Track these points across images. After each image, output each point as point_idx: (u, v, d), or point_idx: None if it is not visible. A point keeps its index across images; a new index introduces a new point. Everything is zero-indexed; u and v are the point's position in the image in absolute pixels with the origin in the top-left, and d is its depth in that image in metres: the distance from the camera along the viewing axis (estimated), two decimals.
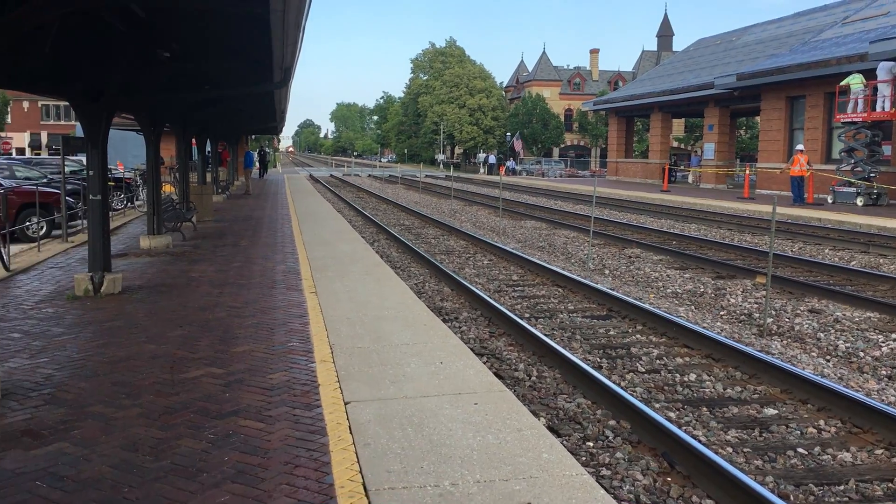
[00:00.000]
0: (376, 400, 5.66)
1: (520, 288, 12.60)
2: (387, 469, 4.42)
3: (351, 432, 5.02)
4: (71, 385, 6.06)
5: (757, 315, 10.70)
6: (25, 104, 78.37)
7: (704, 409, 6.80)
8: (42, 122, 79.78)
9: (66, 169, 17.23)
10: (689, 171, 48.98)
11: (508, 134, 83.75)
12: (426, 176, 60.05)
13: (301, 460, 4.60)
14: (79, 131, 27.70)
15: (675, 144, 68.52)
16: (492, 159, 76.13)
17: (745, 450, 5.88)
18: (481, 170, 76.41)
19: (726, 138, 43.48)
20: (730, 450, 5.88)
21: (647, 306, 10.38)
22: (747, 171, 34.99)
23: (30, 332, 7.81)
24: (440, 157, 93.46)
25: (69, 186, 18.28)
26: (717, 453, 5.60)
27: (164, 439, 4.94)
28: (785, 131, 34.88)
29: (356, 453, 4.67)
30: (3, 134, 69.48)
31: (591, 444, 5.99)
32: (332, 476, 4.37)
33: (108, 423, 5.23)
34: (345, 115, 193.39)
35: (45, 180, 20.98)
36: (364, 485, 4.24)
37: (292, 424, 5.20)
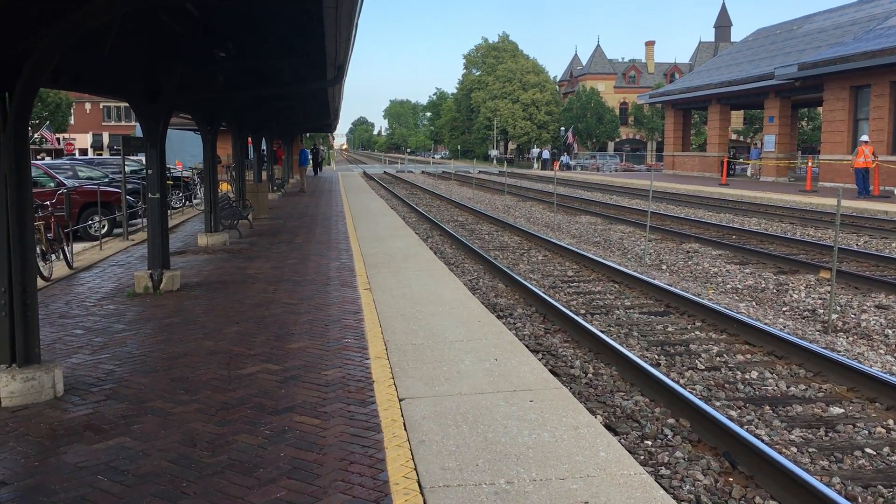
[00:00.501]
0: (431, 397, 5.63)
1: (575, 284, 12.46)
2: (442, 466, 4.39)
3: (406, 429, 4.99)
4: (131, 380, 6.17)
5: (821, 311, 10.39)
6: (87, 106, 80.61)
7: (767, 407, 6.61)
8: (103, 123, 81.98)
9: (127, 168, 17.63)
10: (748, 163, 47.94)
11: (562, 128, 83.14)
12: (479, 172, 59.95)
13: (356, 457, 4.59)
14: (139, 132, 28.34)
15: (734, 137, 67.14)
16: (545, 154, 75.65)
17: (810, 450, 5.69)
18: (535, 165, 76.00)
19: (787, 130, 42.41)
20: (794, 450, 5.70)
21: (706, 302, 10.16)
22: (809, 164, 34.08)
23: (92, 329, 7.98)
24: (493, 152, 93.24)
25: (129, 186, 18.71)
26: (780, 453, 5.43)
27: (222, 434, 4.98)
28: (849, 122, 33.86)
29: (411, 450, 4.65)
30: (66, 135, 71.50)
31: (649, 442, 5.87)
32: (387, 473, 4.35)
33: (166, 418, 5.30)
34: (398, 111, 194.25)
35: (106, 180, 21.50)
36: (419, 482, 4.21)
37: (347, 421, 5.20)
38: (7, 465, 4.52)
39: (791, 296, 11.42)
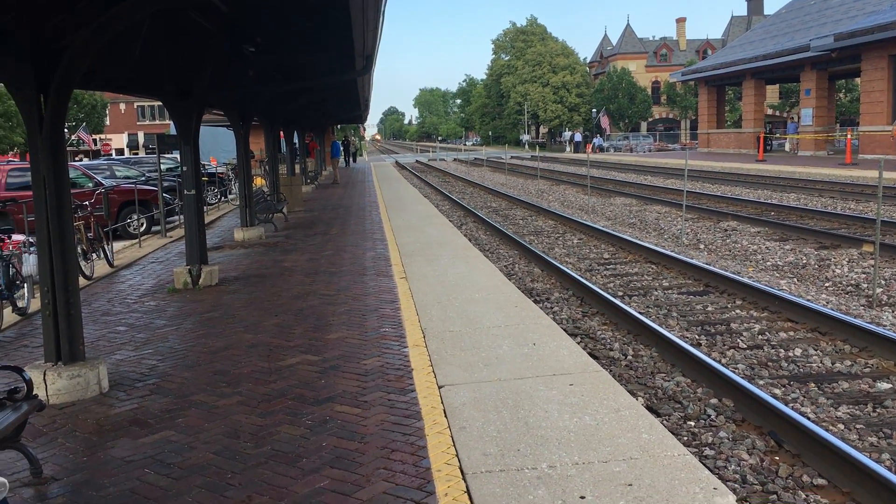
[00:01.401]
0: (470, 383, 5.63)
1: (611, 266, 12.36)
2: (483, 452, 4.38)
3: (446, 416, 5.00)
4: (174, 375, 6.25)
5: (865, 285, 10.18)
6: (122, 106, 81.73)
7: (812, 384, 6.50)
8: (138, 123, 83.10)
9: (162, 167, 17.83)
10: (785, 138, 47.11)
11: (594, 110, 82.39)
12: (511, 157, 59.68)
13: (397, 444, 4.60)
14: (173, 130, 28.70)
15: (770, 112, 65.96)
16: (578, 137, 75.02)
17: (857, 426, 5.59)
18: (567, 148, 75.45)
19: (825, 102, 41.59)
20: (841, 427, 5.60)
21: (746, 280, 10.01)
22: (849, 136, 33.39)
23: (134, 325, 8.11)
24: (525, 137, 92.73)
25: (166, 183, 18.93)
26: (827, 430, 5.33)
27: (264, 426, 5.03)
28: (888, 92, 33.10)
29: (452, 437, 4.65)
30: (102, 136, 72.60)
31: (692, 423, 5.81)
32: (429, 460, 4.36)
33: (210, 411, 5.37)
34: (428, 100, 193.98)
35: (143, 178, 21.78)
36: (461, 468, 4.21)
37: (387, 409, 5.21)
38: (56, 461, 4.61)
39: (833, 271, 11.21)
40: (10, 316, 8.63)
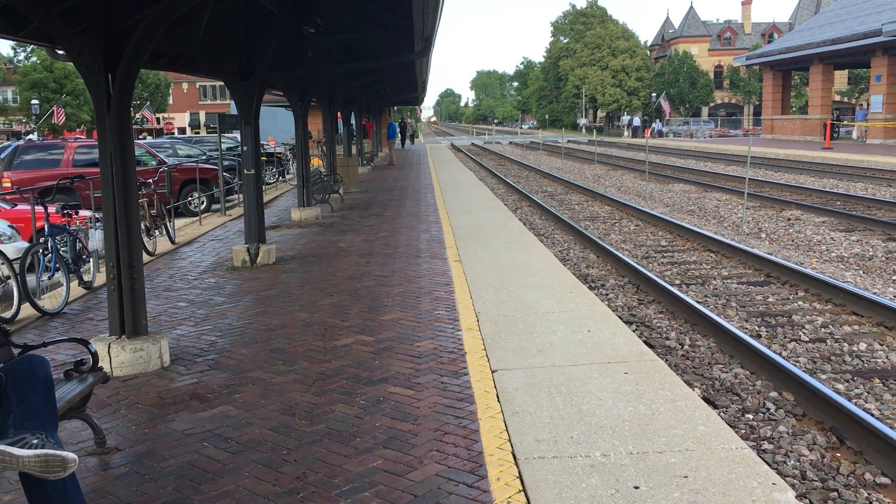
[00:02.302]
0: (523, 368, 5.61)
1: (669, 254, 12.17)
2: (536, 438, 4.36)
3: (499, 400, 4.99)
4: (232, 351, 6.37)
5: None
6: (185, 86, 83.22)
7: (877, 380, 6.32)
8: (200, 103, 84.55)
9: (223, 146, 18.12)
10: (853, 125, 45.69)
11: (654, 94, 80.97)
12: (568, 141, 59.12)
13: (450, 427, 4.62)
14: (233, 110, 29.10)
15: (838, 98, 64.00)
16: (636, 122, 73.87)
17: None
18: (625, 133, 74.38)
19: None
20: None
21: (809, 271, 9.76)
22: None
23: (194, 301, 8.28)
24: (582, 121, 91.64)
25: (226, 162, 19.25)
26: (892, 428, 5.18)
27: (319, 404, 5.09)
28: None
29: (504, 421, 4.64)
30: (165, 115, 74.06)
31: (750, 416, 5.70)
32: (481, 444, 4.36)
33: (266, 388, 5.46)
34: (484, 82, 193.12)
35: (204, 157, 22.17)
36: (513, 453, 4.20)
37: (440, 392, 5.23)
38: (119, 432, 4.74)
39: None
40: (76, 289, 8.89)
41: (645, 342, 7.14)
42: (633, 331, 7.54)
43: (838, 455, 5.01)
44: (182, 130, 75.19)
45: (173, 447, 4.48)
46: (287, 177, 26.96)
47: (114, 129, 5.78)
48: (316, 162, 24.63)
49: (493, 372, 5.56)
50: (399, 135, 49.37)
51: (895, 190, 20.22)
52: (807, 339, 7.48)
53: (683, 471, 3.91)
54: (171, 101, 78.03)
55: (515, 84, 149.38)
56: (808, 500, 4.43)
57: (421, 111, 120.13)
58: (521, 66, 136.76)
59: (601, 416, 4.66)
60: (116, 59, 5.69)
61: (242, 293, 8.68)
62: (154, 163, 17.80)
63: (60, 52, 7.27)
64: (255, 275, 9.73)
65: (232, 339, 6.76)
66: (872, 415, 5.51)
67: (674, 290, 8.94)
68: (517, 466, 4.05)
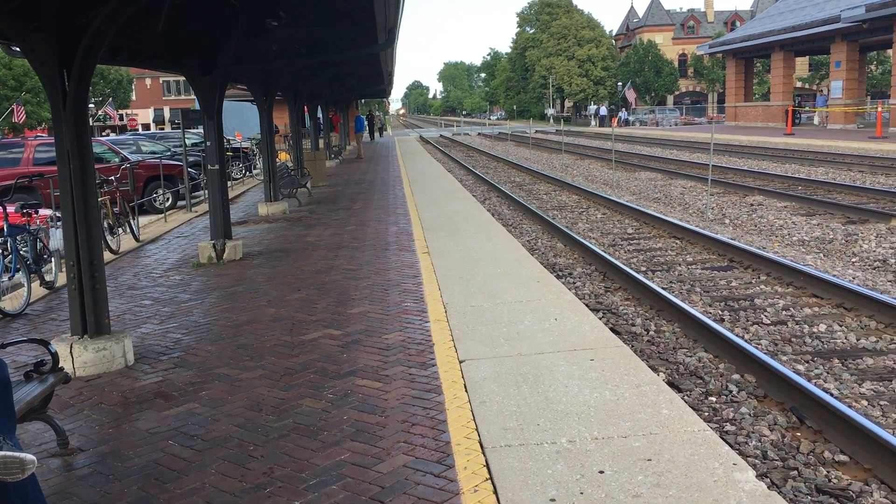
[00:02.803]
0: (491, 358, 5.64)
1: (635, 241, 12.28)
2: (503, 427, 4.40)
3: (466, 390, 5.02)
4: (198, 348, 6.33)
5: (893, 261, 10.04)
6: (148, 81, 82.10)
7: (836, 361, 6.44)
8: (164, 98, 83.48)
9: (188, 141, 17.93)
10: (814, 111, 46.37)
11: (620, 84, 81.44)
12: (536, 131, 59.30)
13: (418, 418, 4.63)
14: (198, 105, 28.83)
15: (799, 85, 64.86)
16: (603, 111, 74.29)
17: (881, 403, 5.54)
18: (592, 122, 74.78)
19: (855, 75, 40.80)
20: (865, 403, 5.55)
21: (771, 255, 9.91)
22: (879, 109, 32.77)
23: (159, 299, 8.20)
24: (550, 111, 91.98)
25: (191, 158, 19.02)
26: (850, 407, 5.29)
27: (286, 399, 5.08)
28: None
29: (472, 411, 4.67)
30: (128, 111, 73.07)
31: (713, 399, 5.79)
32: (449, 434, 4.38)
33: (233, 384, 5.43)
34: (452, 74, 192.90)
35: (168, 153, 21.92)
36: (480, 442, 4.23)
37: (408, 383, 5.24)
38: (83, 432, 4.69)
39: (861, 246, 11.06)
40: (37, 290, 8.77)
41: (611, 329, 7.21)
42: (600, 318, 7.62)
43: (798, 435, 5.11)
44: (146, 126, 74.18)
45: (138, 446, 4.45)
46: (254, 172, 26.75)
47: (70, 126, 5.70)
48: (283, 156, 24.49)
49: (460, 362, 5.59)
50: (367, 128, 49.21)
51: (855, 174, 20.57)
52: (768, 321, 7.61)
53: (647, 454, 3.97)
54: (134, 97, 76.87)
55: (483, 75, 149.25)
56: (768, 480, 4.51)
57: (389, 103, 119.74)
58: (489, 57, 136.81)
59: (567, 402, 4.70)
60: (71, 55, 5.61)
61: (208, 290, 8.62)
62: (116, 160, 17.57)
63: (16, 48, 7.15)
64: (221, 271, 9.66)
65: (198, 336, 6.71)
66: (831, 394, 5.62)
67: (640, 277, 9.03)
68: (484, 455, 4.08)
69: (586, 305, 7.56)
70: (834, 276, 9.05)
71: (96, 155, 17.14)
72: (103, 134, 36.86)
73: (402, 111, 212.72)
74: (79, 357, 5.78)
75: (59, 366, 4.38)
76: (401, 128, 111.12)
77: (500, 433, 4.32)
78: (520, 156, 35.20)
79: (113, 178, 12.43)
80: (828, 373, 6.19)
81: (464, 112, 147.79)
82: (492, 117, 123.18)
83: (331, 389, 5.21)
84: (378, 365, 5.66)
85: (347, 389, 5.19)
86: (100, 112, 54.36)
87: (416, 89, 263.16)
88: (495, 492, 3.69)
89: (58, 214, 9.16)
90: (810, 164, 23.68)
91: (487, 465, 3.96)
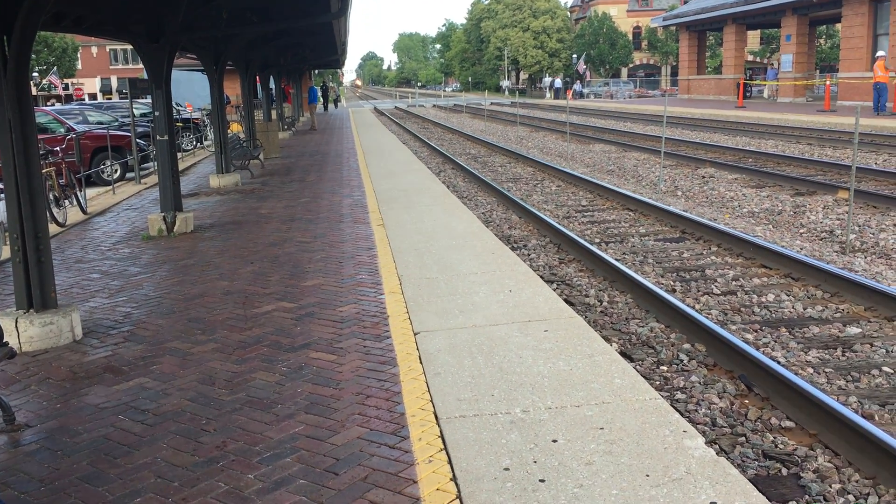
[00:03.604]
0: (445, 329, 5.65)
1: (589, 213, 12.38)
2: (457, 397, 4.41)
3: (421, 362, 5.02)
4: (149, 322, 6.22)
5: (839, 232, 10.28)
6: (94, 49, 79.92)
7: (783, 329, 6.59)
8: (111, 67, 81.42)
9: (136, 112, 17.51)
10: (765, 85, 47.06)
11: (574, 56, 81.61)
12: (491, 104, 59.25)
13: (372, 391, 4.63)
14: (146, 75, 28.14)
15: (751, 58, 65.65)
16: (558, 83, 74.45)
17: (826, 370, 5.68)
18: (547, 95, 74.93)
19: (805, 49, 41.43)
20: (810, 370, 5.69)
21: (721, 227, 10.07)
22: (828, 83, 33.37)
23: (108, 273, 8.04)
24: (505, 83, 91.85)
25: (140, 129, 18.61)
26: (796, 374, 5.43)
27: (239, 373, 5.03)
28: (868, 38, 33.01)
29: (427, 383, 4.67)
30: (74, 80, 71.09)
31: (664, 368, 5.88)
32: (404, 405, 4.39)
33: (184, 358, 5.36)
34: (407, 45, 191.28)
35: (116, 124, 21.40)
36: (435, 413, 4.24)
37: (363, 356, 5.23)
38: (30, 408, 4.59)
39: (808, 217, 11.30)
40: None
41: (565, 300, 7.29)
42: (554, 289, 7.68)
43: (746, 402, 5.22)
44: (93, 96, 72.29)
45: (87, 421, 4.37)
46: (205, 143, 26.29)
47: (11, 95, 5.51)
48: (235, 127, 24.08)
49: (415, 334, 5.59)
50: (321, 99, 48.63)
51: (804, 147, 20.96)
52: (719, 291, 7.74)
53: (599, 423, 4.02)
54: (80, 66, 74.84)
55: (438, 46, 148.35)
56: (717, 446, 4.61)
57: (343, 75, 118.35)
58: (444, 29, 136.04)
59: (521, 373, 4.73)
60: (11, 19, 5.41)
61: (159, 263, 8.47)
62: (62, 130, 17.11)
63: None
64: (172, 244, 9.49)
65: (148, 309, 6.60)
66: (779, 362, 5.76)
67: (593, 248, 9.11)
68: (439, 426, 4.09)
69: (541, 277, 7.61)
70: (782, 246, 9.23)
71: (41, 125, 16.68)
72: (48, 104, 35.81)
73: (357, 82, 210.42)
74: (24, 332, 5.64)
75: (4, 341, 4.27)
76: (355, 99, 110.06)
77: (454, 404, 4.33)
78: (475, 128, 35.14)
79: (58, 148, 12.13)
80: (775, 341, 6.33)
81: (419, 84, 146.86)
82: (447, 89, 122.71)
83: (284, 362, 5.17)
84: (332, 337, 5.63)
85: (301, 362, 5.16)
86: (44, 81, 52.81)
87: (370, 60, 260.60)
88: (450, 462, 3.70)
89: (0, 186, 8.90)
90: (760, 137, 24.05)
91: (442, 436, 3.97)
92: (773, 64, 60.59)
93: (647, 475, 3.48)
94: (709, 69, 58.88)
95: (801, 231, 10.67)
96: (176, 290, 7.20)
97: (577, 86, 71.64)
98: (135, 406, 4.56)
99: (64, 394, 4.81)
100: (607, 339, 6.35)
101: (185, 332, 5.94)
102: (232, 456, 3.89)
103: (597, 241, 10.23)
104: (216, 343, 5.65)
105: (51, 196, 10.63)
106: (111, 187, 15.07)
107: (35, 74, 55.85)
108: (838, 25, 42.51)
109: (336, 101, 65.52)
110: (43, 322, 5.68)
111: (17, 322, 5.64)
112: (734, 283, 8.03)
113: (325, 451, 3.89)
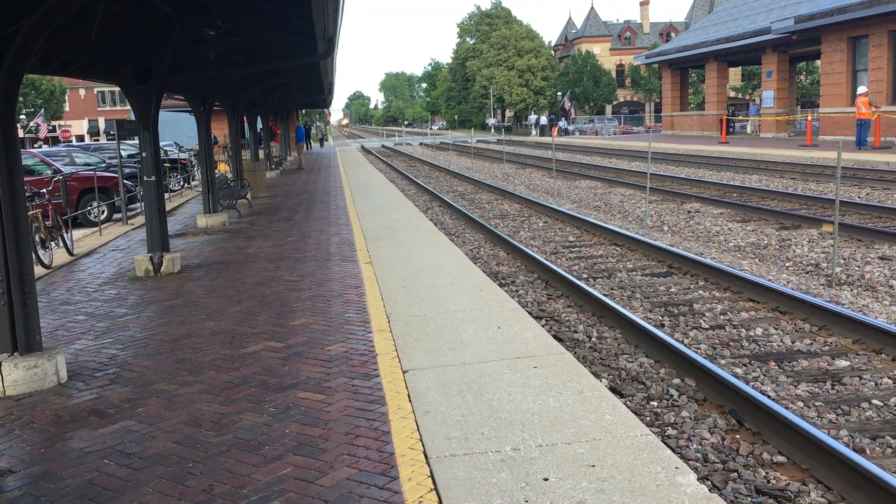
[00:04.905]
0: (434, 367, 5.62)
1: (576, 249, 12.41)
2: (447, 436, 4.38)
3: (410, 401, 4.98)
4: (135, 364, 6.16)
5: (824, 265, 10.35)
6: (82, 91, 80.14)
7: (772, 363, 6.59)
8: (99, 109, 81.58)
9: (124, 153, 17.53)
10: (747, 120, 47.64)
11: (559, 94, 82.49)
12: (478, 141, 59.64)
13: (361, 430, 4.58)
14: (134, 116, 28.20)
15: (733, 94, 66.60)
16: (543, 120, 75.14)
17: (816, 403, 5.68)
18: (533, 132, 75.55)
19: (786, 85, 42.02)
20: (801, 404, 5.68)
21: (708, 261, 10.11)
22: (809, 118, 33.82)
23: (94, 314, 7.97)
24: (491, 121, 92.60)
25: (127, 170, 18.61)
26: (787, 408, 5.42)
27: (227, 414, 4.97)
28: (847, 74, 33.53)
29: (416, 421, 4.64)
30: (61, 122, 71.16)
31: (655, 403, 5.86)
32: (393, 445, 4.35)
33: (171, 400, 5.30)
34: (393, 84, 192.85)
35: (103, 165, 21.39)
36: (425, 453, 4.20)
37: (351, 395, 5.19)
38: (13, 453, 4.52)
39: (794, 251, 11.37)
40: None
41: (554, 336, 7.28)
42: (543, 325, 7.67)
43: (738, 437, 5.20)
44: (80, 138, 72.31)
45: (72, 466, 4.30)
46: (192, 183, 26.30)
47: None
48: (222, 167, 24.12)
49: (404, 372, 5.55)
50: (306, 137, 48.86)
51: (787, 181, 21.17)
52: (707, 326, 7.75)
53: (591, 460, 3.99)
54: (67, 108, 74.97)
55: (424, 85, 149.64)
56: (709, 482, 4.58)
57: (330, 114, 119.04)
58: (430, 68, 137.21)
59: (511, 410, 4.71)
60: None
61: (145, 304, 8.41)
62: (49, 172, 17.09)
63: None
64: (159, 284, 9.44)
65: (134, 351, 6.54)
66: (769, 396, 5.75)
67: (581, 284, 9.12)
68: (429, 465, 4.05)
69: (529, 313, 7.60)
70: (769, 280, 9.28)
71: (27, 167, 16.66)
72: (36, 146, 35.80)
73: (344, 121, 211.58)
74: (9, 375, 5.57)
75: None
76: (342, 138, 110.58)
77: (444, 443, 4.29)
78: (462, 165, 35.33)
79: (45, 190, 12.09)
80: (765, 375, 6.33)
81: (405, 122, 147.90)
82: (433, 127, 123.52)
83: (272, 403, 5.12)
84: (320, 377, 5.59)
85: (289, 402, 5.11)
86: (32, 123, 52.82)
87: (357, 99, 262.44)
88: (440, 502, 3.66)
89: None
90: (744, 172, 24.28)
91: (432, 476, 3.93)
92: (754, 100, 61.36)
93: None
94: (692, 105, 59.70)
95: (787, 264, 10.73)
96: (162, 331, 7.15)
97: (562, 123, 72.31)
98: (120, 450, 4.50)
99: (48, 438, 4.73)
100: (597, 375, 6.33)
101: (172, 373, 5.89)
102: (219, 499, 3.83)
103: (584, 276, 10.25)
104: (203, 384, 5.59)
105: (37, 238, 10.59)
106: (98, 228, 15.02)
107: (22, 117, 55.93)
108: (818, 62, 43.23)
109: (322, 140, 65.88)
110: (27, 365, 5.61)
111: (0, 365, 5.57)
112: (722, 317, 8.04)
113: (313, 492, 3.84)
